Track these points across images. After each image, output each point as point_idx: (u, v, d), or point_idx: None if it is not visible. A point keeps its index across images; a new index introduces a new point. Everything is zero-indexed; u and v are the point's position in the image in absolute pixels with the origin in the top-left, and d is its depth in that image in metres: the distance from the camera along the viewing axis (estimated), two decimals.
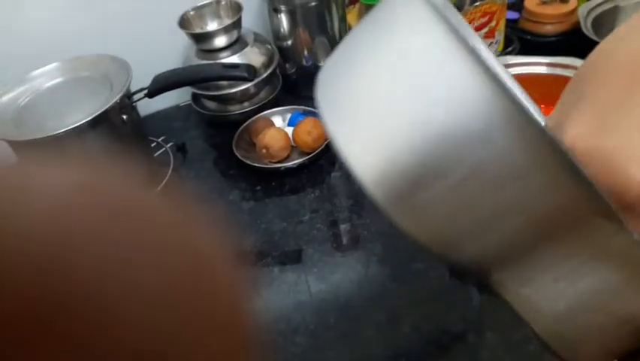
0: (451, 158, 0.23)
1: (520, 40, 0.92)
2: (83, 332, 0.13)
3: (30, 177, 0.16)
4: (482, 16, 0.85)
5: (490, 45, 0.89)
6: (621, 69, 0.28)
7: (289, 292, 0.67)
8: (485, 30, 0.87)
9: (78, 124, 0.70)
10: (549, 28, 0.93)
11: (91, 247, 0.14)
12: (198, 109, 0.98)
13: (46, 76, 0.81)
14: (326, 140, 0.84)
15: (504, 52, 0.91)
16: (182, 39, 0.94)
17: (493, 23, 0.87)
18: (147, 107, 0.95)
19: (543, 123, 0.24)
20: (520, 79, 0.88)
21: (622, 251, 0.24)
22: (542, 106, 0.81)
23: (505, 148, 0.22)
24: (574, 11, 0.92)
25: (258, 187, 0.83)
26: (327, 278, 0.68)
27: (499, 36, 0.90)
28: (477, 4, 0.84)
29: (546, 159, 0.22)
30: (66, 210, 0.15)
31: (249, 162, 0.84)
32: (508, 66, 0.81)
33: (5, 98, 0.78)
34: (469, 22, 0.85)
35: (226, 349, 0.17)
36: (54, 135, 0.69)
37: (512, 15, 0.97)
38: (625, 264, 0.25)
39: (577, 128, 0.26)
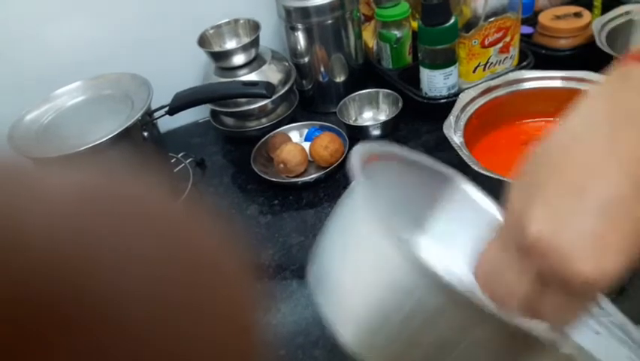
0: (394, 315, 0.35)
1: (535, 54, 0.93)
2: (98, 327, 0.13)
3: (47, 176, 0.16)
4: (497, 31, 0.86)
5: (505, 60, 0.90)
6: (575, 170, 0.33)
7: (307, 306, 0.67)
8: (500, 45, 0.88)
9: (100, 141, 0.72)
10: (563, 43, 0.93)
11: (106, 244, 0.14)
12: (217, 125, 1.00)
13: (69, 94, 0.83)
14: (343, 154, 0.85)
15: (519, 66, 0.91)
16: (202, 57, 0.96)
17: (508, 38, 0.88)
18: (167, 123, 0.96)
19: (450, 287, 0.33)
20: (536, 93, 0.89)
21: None
22: (558, 119, 0.81)
23: (433, 310, 0.34)
24: (588, 25, 0.92)
25: (276, 201, 0.84)
26: None
27: (514, 51, 0.90)
28: (491, 19, 0.85)
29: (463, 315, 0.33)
30: (81, 208, 0.15)
31: (266, 176, 0.85)
32: (523, 80, 0.82)
33: (29, 117, 0.80)
34: (484, 38, 0.86)
35: (239, 352, 0.17)
36: (76, 152, 0.71)
37: (527, 30, 0.98)
38: None
39: (537, 225, 0.32)
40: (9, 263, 0.12)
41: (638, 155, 0.33)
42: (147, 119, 0.79)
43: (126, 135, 0.74)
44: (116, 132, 0.72)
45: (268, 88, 0.80)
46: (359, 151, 0.43)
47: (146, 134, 0.79)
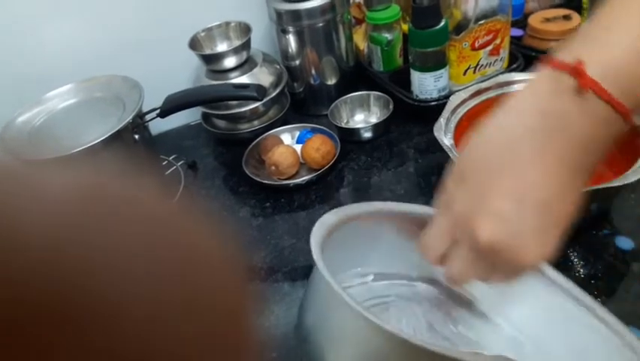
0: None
1: (525, 56, 0.93)
2: (96, 327, 0.13)
3: (44, 175, 0.16)
4: (487, 33, 0.87)
5: (495, 62, 0.91)
6: (512, 177, 0.39)
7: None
8: (490, 47, 0.88)
9: (92, 144, 0.72)
10: (553, 45, 0.94)
11: (104, 244, 0.14)
12: (208, 128, 1.00)
13: (61, 97, 0.83)
14: (334, 156, 0.85)
15: (509, 69, 0.92)
16: (193, 60, 0.96)
17: (498, 40, 0.88)
18: (158, 126, 0.96)
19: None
20: None
21: None
22: None
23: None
24: (577, 28, 0.93)
25: (268, 204, 0.84)
26: None
27: (504, 53, 0.91)
28: (482, 22, 0.85)
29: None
30: (80, 207, 0.15)
31: (258, 179, 0.85)
32: (513, 83, 0.82)
33: (21, 119, 0.79)
34: (474, 40, 0.86)
35: (235, 353, 0.17)
36: (68, 155, 0.71)
37: (516, 32, 0.99)
38: None
39: (487, 231, 0.40)
40: (8, 263, 0.13)
41: (563, 159, 0.38)
42: (138, 122, 0.79)
43: (117, 138, 0.74)
44: (108, 135, 0.73)
45: (259, 90, 0.80)
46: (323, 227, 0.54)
47: (137, 136, 0.79)
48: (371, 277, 0.64)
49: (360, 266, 0.63)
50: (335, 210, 0.58)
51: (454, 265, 0.44)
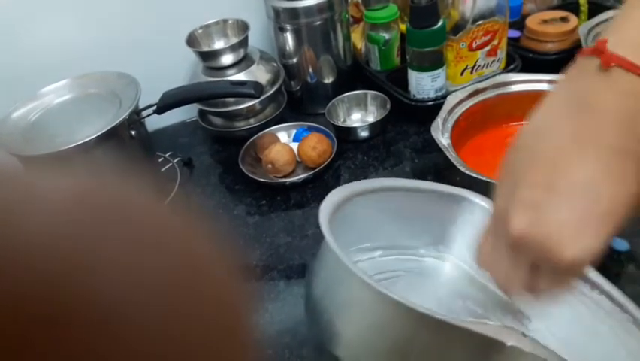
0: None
1: (522, 58, 0.93)
2: (90, 335, 0.13)
3: (37, 181, 0.16)
4: (484, 34, 0.87)
5: (492, 63, 0.91)
6: (543, 166, 0.37)
7: (295, 306, 0.67)
8: (487, 48, 0.88)
9: (87, 139, 0.71)
10: (550, 47, 0.95)
11: (99, 251, 0.14)
12: (205, 125, 1.00)
13: (56, 92, 0.83)
14: (331, 155, 0.85)
15: (506, 69, 0.92)
16: (190, 57, 0.95)
17: (495, 41, 0.88)
18: (154, 123, 0.96)
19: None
20: (522, 96, 0.90)
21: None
22: None
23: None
24: (574, 30, 0.93)
25: (264, 202, 0.84)
26: None
27: (501, 54, 0.91)
28: (479, 22, 0.85)
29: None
30: (73, 214, 0.15)
31: (254, 177, 0.85)
32: (510, 83, 0.82)
33: (16, 114, 0.79)
34: (472, 41, 0.86)
35: (229, 353, 0.17)
36: (63, 151, 0.71)
37: (514, 33, 0.99)
38: None
39: (518, 223, 0.37)
40: (6, 264, 0.12)
41: (600, 139, 0.36)
42: (135, 118, 0.79)
43: (114, 134, 0.74)
44: (104, 131, 0.72)
45: (256, 88, 0.80)
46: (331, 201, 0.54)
47: (133, 133, 0.79)
48: (379, 253, 0.64)
49: (368, 242, 0.63)
50: (340, 187, 0.58)
51: (499, 267, 0.41)
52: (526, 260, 0.38)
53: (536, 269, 0.38)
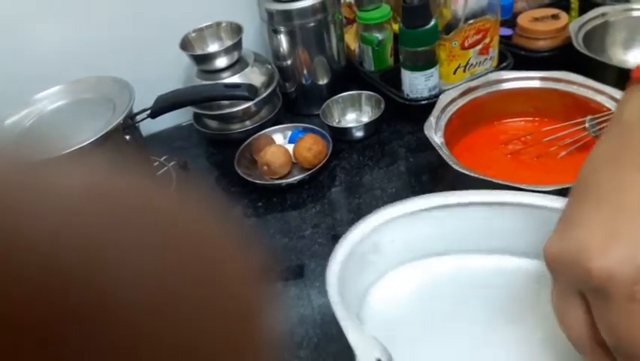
0: None
1: (514, 55, 0.94)
2: (107, 323, 0.13)
3: (43, 175, 0.15)
4: (476, 33, 0.87)
5: (484, 61, 0.91)
6: (604, 200, 0.35)
7: (292, 307, 0.68)
8: (479, 47, 0.89)
9: (82, 145, 0.71)
10: (542, 44, 0.95)
11: (105, 247, 0.14)
12: (200, 128, 1.00)
13: (50, 98, 0.83)
14: (326, 156, 0.86)
15: (498, 67, 0.92)
16: (184, 60, 0.96)
17: (487, 40, 0.89)
18: (149, 127, 0.96)
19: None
20: (515, 93, 0.90)
21: None
22: (537, 118, 0.83)
23: None
24: (565, 27, 0.94)
25: (260, 204, 0.84)
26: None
27: (494, 52, 0.91)
28: (471, 21, 0.86)
29: None
30: (79, 208, 0.14)
31: (250, 179, 0.85)
32: (502, 81, 0.83)
33: (10, 120, 0.79)
34: (464, 40, 0.87)
35: (246, 349, 0.18)
36: (58, 156, 0.70)
37: (505, 32, 0.99)
38: None
39: (550, 245, 0.36)
40: (15, 259, 0.12)
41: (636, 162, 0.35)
42: (129, 123, 0.79)
43: (108, 139, 0.74)
44: (98, 135, 0.72)
45: (251, 90, 0.80)
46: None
47: (128, 137, 0.78)
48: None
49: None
50: (341, 240, 0.56)
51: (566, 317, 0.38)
52: (570, 290, 0.36)
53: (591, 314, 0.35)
